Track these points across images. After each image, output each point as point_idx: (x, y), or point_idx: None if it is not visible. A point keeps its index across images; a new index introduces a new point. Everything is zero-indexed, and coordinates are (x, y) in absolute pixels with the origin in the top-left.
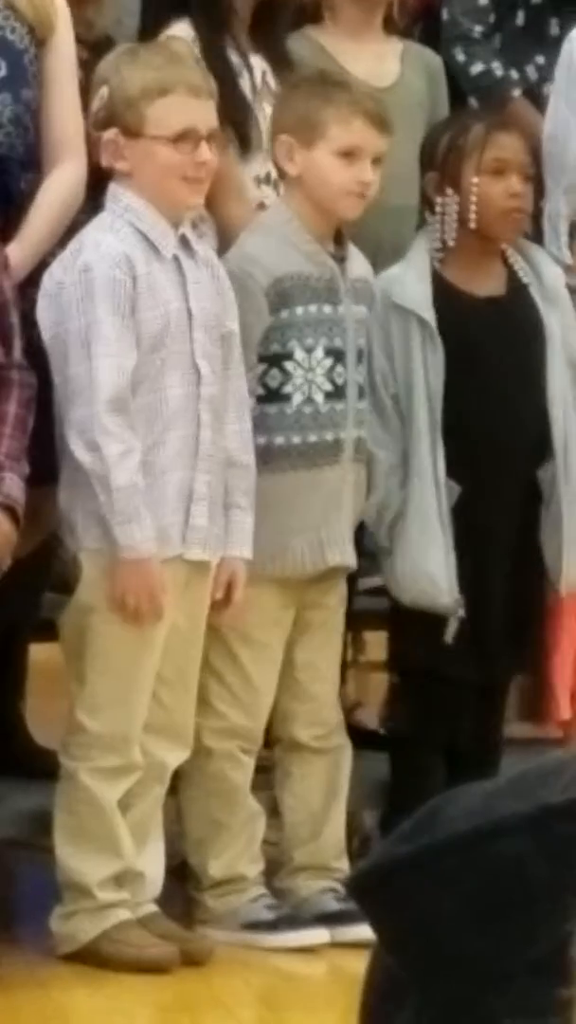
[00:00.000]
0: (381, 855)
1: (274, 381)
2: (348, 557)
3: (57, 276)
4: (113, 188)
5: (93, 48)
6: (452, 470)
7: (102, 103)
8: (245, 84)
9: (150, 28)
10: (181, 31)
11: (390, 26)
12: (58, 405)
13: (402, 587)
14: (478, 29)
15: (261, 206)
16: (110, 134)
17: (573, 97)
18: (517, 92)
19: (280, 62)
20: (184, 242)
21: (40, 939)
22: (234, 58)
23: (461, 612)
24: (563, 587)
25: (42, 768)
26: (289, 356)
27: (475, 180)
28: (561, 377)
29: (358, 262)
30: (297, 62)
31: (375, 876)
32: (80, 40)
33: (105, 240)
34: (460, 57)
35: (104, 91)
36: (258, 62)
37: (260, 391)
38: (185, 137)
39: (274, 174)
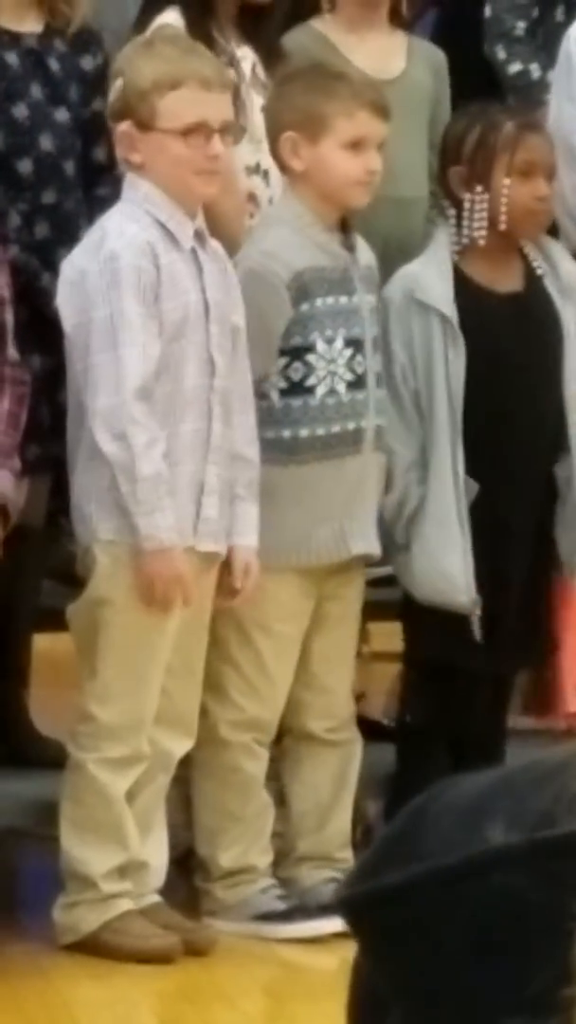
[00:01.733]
0: (369, 880)
1: (297, 374)
2: (372, 545)
3: (80, 264)
4: (131, 178)
5: (72, 42)
6: (473, 467)
7: (117, 95)
8: (234, 73)
9: (142, 17)
10: (171, 19)
11: (397, 20)
12: (77, 394)
13: (418, 584)
14: (520, 26)
15: (251, 196)
16: (124, 127)
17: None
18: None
19: (270, 54)
20: (198, 235)
21: (42, 929)
22: (224, 47)
23: (478, 611)
24: None
25: (44, 757)
26: (311, 348)
27: (506, 182)
28: (574, 367)
29: (364, 250)
30: (294, 54)
31: (364, 904)
32: (58, 32)
33: (129, 229)
34: (500, 55)
35: (119, 83)
36: (247, 53)
37: (283, 384)
38: (196, 131)
39: (263, 164)
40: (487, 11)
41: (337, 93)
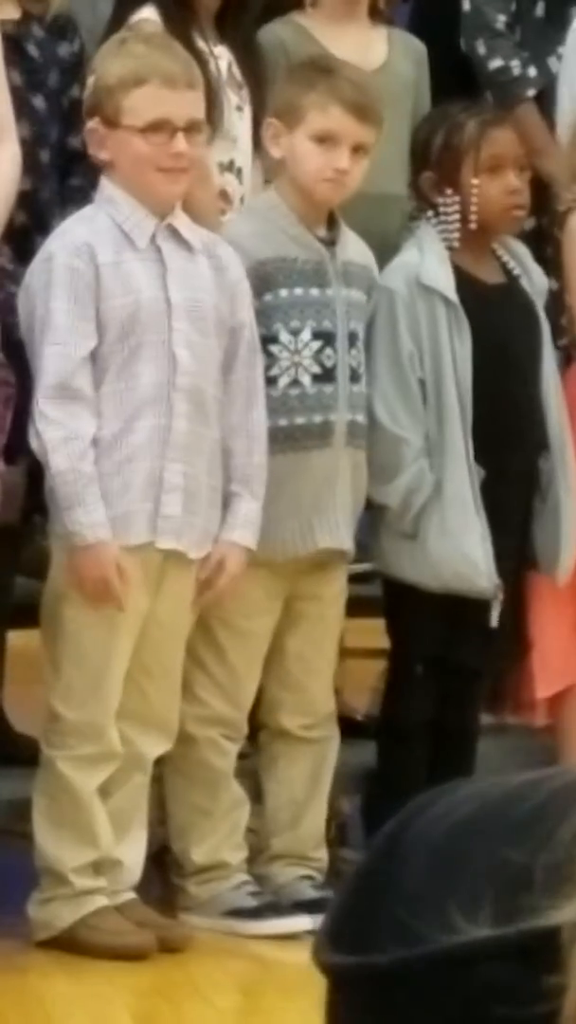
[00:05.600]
0: (345, 934)
1: None
2: (342, 541)
3: (32, 266)
4: (101, 181)
5: (49, 28)
6: (474, 454)
7: (89, 91)
8: (211, 70)
9: (117, 13)
10: (147, 15)
11: (377, 16)
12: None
13: (437, 571)
14: (501, 19)
15: (223, 194)
16: (92, 123)
17: None
18: (532, 92)
19: (246, 53)
20: (172, 232)
21: (17, 925)
22: (200, 45)
23: (501, 595)
24: (559, 576)
25: (21, 754)
26: (274, 339)
27: (475, 181)
28: (551, 366)
29: (352, 246)
30: (274, 47)
31: (344, 978)
32: (36, 18)
33: (72, 230)
34: (481, 50)
35: (91, 79)
36: (223, 52)
37: None
38: (157, 128)
39: (237, 162)
40: (466, 4)
41: (315, 86)
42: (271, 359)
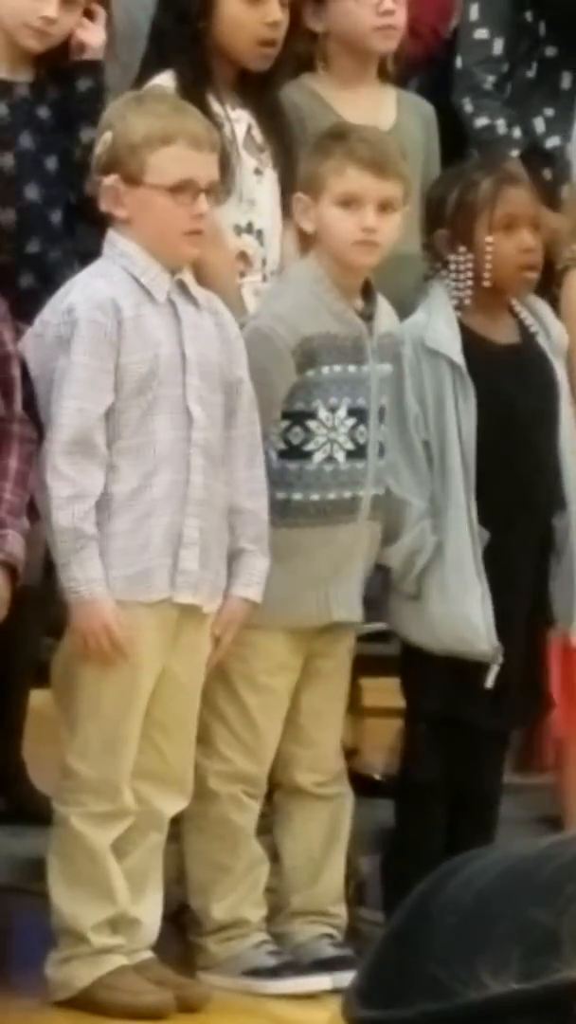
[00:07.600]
0: (376, 992)
1: (296, 438)
2: (354, 613)
3: (45, 316)
4: (111, 235)
5: (70, 68)
6: (479, 515)
7: (105, 148)
8: (225, 133)
9: (140, 80)
10: (163, 81)
11: (384, 75)
12: None
13: (437, 633)
14: (490, 80)
15: (242, 255)
16: (110, 180)
17: None
18: (515, 152)
19: (269, 116)
20: (183, 287)
21: (36, 985)
22: (216, 108)
23: (500, 658)
24: (574, 636)
25: (43, 814)
26: (313, 415)
27: (489, 239)
28: (569, 426)
29: (385, 317)
30: (291, 112)
31: None
32: (56, 70)
33: (93, 284)
34: (468, 108)
35: (108, 136)
36: (243, 115)
37: (281, 446)
38: (183, 188)
39: (256, 224)
40: (457, 63)
41: (331, 152)
42: (308, 434)
